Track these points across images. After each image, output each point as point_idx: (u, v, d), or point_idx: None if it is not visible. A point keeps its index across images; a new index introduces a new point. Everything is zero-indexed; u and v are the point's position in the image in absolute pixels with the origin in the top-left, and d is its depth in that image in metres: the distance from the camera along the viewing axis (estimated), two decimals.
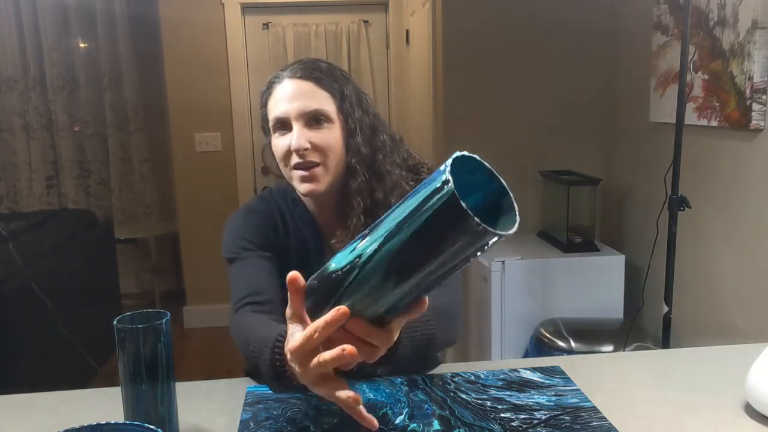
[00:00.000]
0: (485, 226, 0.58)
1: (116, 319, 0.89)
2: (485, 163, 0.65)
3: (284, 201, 1.22)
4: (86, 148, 4.49)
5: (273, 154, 1.18)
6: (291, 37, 3.94)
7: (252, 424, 0.99)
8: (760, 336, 1.85)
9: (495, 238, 0.60)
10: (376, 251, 0.63)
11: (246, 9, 3.90)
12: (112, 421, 0.65)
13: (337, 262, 0.68)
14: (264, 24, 3.95)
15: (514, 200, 0.65)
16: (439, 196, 0.58)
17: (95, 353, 2.83)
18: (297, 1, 3.95)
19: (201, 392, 1.13)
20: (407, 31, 3.78)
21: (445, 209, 0.58)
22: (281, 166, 1.14)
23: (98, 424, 0.64)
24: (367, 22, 4.02)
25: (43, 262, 2.71)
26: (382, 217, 0.66)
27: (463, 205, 0.57)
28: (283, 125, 1.10)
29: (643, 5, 2.44)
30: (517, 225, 0.63)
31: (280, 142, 1.10)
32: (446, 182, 0.58)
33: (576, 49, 2.71)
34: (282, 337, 0.82)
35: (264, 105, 1.15)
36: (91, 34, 4.33)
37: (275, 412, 1.03)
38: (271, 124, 1.12)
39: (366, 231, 0.67)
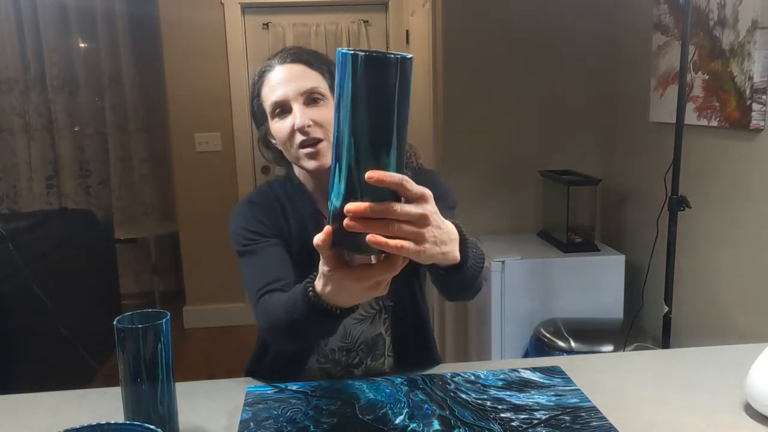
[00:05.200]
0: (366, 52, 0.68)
1: (116, 319, 0.89)
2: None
3: (284, 190, 1.24)
4: (86, 148, 4.49)
5: (269, 144, 1.22)
6: (291, 37, 3.94)
7: (252, 424, 0.99)
8: (760, 336, 1.85)
9: (394, 62, 0.69)
10: (354, 150, 0.71)
11: (246, 9, 3.90)
12: (112, 421, 0.65)
13: (336, 197, 0.73)
14: (264, 24, 3.94)
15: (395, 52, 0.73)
16: (343, 70, 0.70)
17: (95, 353, 2.84)
18: (297, 1, 3.95)
19: (201, 392, 1.13)
20: (407, 31, 3.78)
21: (358, 72, 0.69)
22: (285, 149, 1.16)
23: (98, 424, 0.65)
24: (367, 22, 4.02)
25: (43, 262, 2.71)
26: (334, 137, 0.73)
27: (350, 50, 0.69)
28: (283, 109, 1.13)
29: (643, 5, 2.44)
30: (410, 56, 0.72)
31: (282, 126, 1.14)
32: (348, 55, 0.69)
33: (576, 49, 2.71)
34: (311, 278, 0.88)
35: (257, 95, 1.18)
36: (91, 34, 4.33)
37: (275, 412, 1.03)
38: (269, 110, 1.16)
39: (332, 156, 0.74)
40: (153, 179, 4.51)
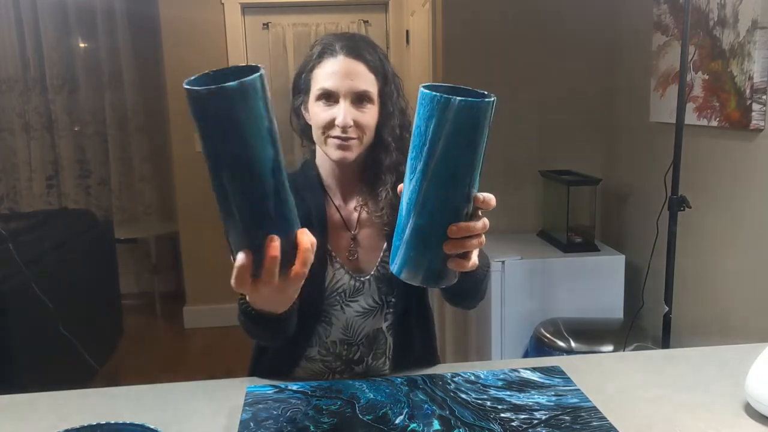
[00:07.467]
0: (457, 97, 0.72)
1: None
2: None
3: (292, 181, 1.24)
4: (86, 148, 4.49)
5: (300, 115, 1.24)
6: (291, 37, 3.94)
7: (252, 424, 0.99)
8: (760, 336, 1.85)
9: (486, 106, 0.74)
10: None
11: (246, 9, 3.90)
12: (112, 421, 0.65)
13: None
14: (264, 24, 3.94)
15: (481, 92, 0.78)
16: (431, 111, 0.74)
17: (95, 353, 2.83)
18: (297, 1, 3.95)
19: (201, 392, 1.13)
20: (407, 31, 3.78)
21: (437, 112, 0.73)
22: (317, 131, 1.19)
23: (98, 424, 0.65)
24: (367, 22, 4.02)
25: (43, 262, 2.70)
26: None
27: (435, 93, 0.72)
28: (329, 97, 1.16)
29: (643, 5, 2.44)
30: (492, 98, 0.76)
31: (323, 113, 1.16)
32: (444, 99, 0.72)
33: (576, 49, 2.71)
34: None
35: (309, 70, 1.20)
36: (91, 34, 4.33)
37: (275, 412, 1.03)
38: (315, 92, 1.17)
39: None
40: (153, 179, 4.51)
